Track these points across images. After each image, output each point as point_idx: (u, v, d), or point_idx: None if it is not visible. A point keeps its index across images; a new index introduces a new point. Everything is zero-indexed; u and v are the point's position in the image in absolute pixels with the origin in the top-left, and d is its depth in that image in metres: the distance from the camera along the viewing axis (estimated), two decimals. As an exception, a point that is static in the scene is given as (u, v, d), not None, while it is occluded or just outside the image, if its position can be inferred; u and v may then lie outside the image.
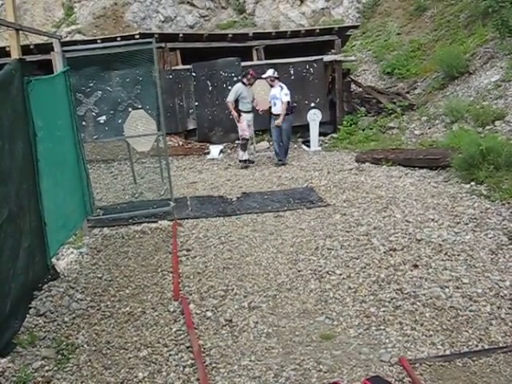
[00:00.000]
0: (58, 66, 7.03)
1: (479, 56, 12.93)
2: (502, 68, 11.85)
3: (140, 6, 21.92)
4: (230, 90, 14.07)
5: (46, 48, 11.95)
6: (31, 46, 12.81)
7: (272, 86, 11.67)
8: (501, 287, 5.24)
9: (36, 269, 5.34)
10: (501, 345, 4.39)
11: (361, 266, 5.93)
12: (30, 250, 5.15)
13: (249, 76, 11.65)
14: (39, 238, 5.44)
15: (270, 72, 11.63)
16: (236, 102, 11.66)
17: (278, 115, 11.47)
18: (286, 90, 11.45)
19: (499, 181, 7.87)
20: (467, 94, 11.99)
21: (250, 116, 11.82)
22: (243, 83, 11.60)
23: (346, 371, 4.17)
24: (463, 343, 4.44)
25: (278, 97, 11.41)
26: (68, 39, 18.12)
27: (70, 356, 4.51)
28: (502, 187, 7.68)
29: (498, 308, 4.89)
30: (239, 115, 11.64)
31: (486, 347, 4.37)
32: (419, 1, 19.05)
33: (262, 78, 11.96)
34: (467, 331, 4.58)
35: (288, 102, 11.55)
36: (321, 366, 4.23)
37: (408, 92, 15.18)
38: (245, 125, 11.63)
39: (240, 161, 11.85)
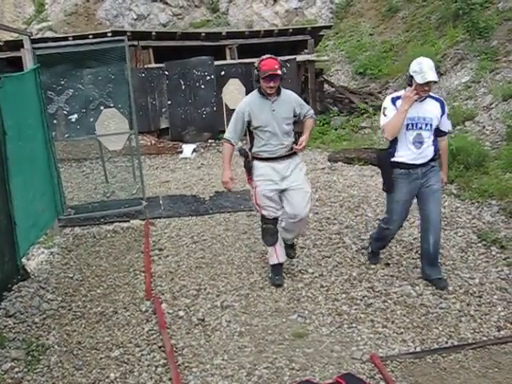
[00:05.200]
0: (28, 63, 6.92)
1: (450, 57, 13.10)
2: (472, 69, 12.03)
3: (112, 4, 21.73)
4: (203, 89, 14.15)
5: (16, 45, 11.77)
6: (0, 43, 12.64)
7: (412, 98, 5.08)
8: (470, 285, 5.32)
9: (5, 269, 5.26)
10: (470, 341, 4.46)
11: (333, 265, 5.96)
12: (-1, 250, 5.07)
13: (262, 73, 5.11)
14: (9, 238, 5.36)
15: (431, 74, 4.99)
16: (250, 134, 5.47)
17: (429, 164, 5.26)
18: (446, 106, 5.45)
19: (469, 180, 7.99)
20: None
21: (277, 168, 5.37)
22: (260, 93, 5.33)
23: (318, 369, 4.19)
24: (433, 340, 4.50)
25: (435, 122, 5.19)
26: (39, 36, 17.88)
27: (41, 357, 4.45)
28: (472, 186, 7.80)
29: (468, 305, 4.97)
30: (250, 167, 5.46)
31: (456, 344, 4.43)
32: (391, 2, 19.23)
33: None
34: (437, 328, 4.64)
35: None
36: (293, 364, 4.25)
37: (380, 92, 15.32)
38: (260, 192, 5.38)
39: (271, 265, 5.69)
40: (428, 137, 5.20)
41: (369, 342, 4.51)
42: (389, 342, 4.51)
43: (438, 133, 5.31)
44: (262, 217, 5.60)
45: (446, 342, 4.46)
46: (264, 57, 5.24)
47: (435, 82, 5.16)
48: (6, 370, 4.22)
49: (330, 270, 5.85)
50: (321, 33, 15.67)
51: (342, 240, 6.61)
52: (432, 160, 5.28)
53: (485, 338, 4.48)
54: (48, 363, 4.38)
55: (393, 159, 5.29)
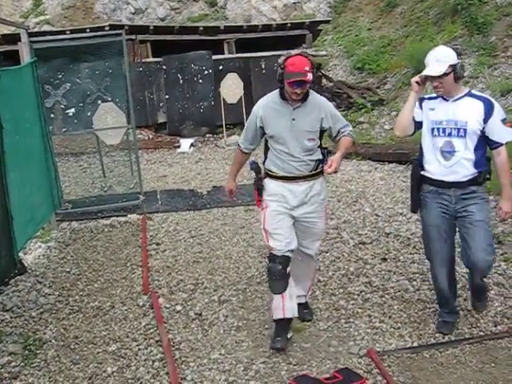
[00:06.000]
0: (25, 56, 6.90)
1: (448, 52, 13.07)
2: (470, 65, 12.02)
3: (110, -2, 21.65)
4: (200, 83, 14.13)
5: (13, 38, 11.73)
6: (-2, 37, 12.59)
7: (431, 97, 4.34)
8: (467, 279, 5.30)
9: (2, 263, 5.24)
10: (467, 336, 4.45)
11: (330, 260, 5.96)
12: (-4, 244, 5.06)
13: (287, 75, 3.93)
14: (5, 232, 5.34)
15: (433, 67, 3.99)
16: (266, 143, 4.42)
17: (466, 186, 4.04)
18: (500, 109, 4.08)
19: (466, 175, 7.96)
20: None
21: (295, 191, 4.24)
22: (281, 95, 4.17)
23: (315, 364, 4.19)
24: (430, 335, 4.49)
25: (472, 127, 3.96)
26: (36, 30, 17.81)
27: (38, 351, 4.45)
28: (469, 182, 7.77)
29: (465, 300, 4.96)
30: (260, 186, 4.39)
31: (453, 339, 4.43)
32: (390, -3, 19.20)
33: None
34: (434, 323, 4.63)
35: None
36: (290, 359, 4.24)
37: (378, 87, 15.30)
38: (271, 211, 4.26)
39: (274, 320, 4.37)
40: (462, 146, 4.00)
41: (366, 337, 4.51)
42: (386, 336, 4.50)
43: (490, 144, 4.06)
44: (270, 251, 4.27)
45: (443, 337, 4.45)
46: (293, 53, 4.04)
47: (438, 77, 3.98)
48: (3, 364, 4.21)
49: (327, 265, 5.85)
50: (319, 27, 15.65)
51: (340, 235, 6.61)
52: (472, 183, 4.04)
53: (482, 333, 4.48)
54: (45, 357, 4.38)
55: (421, 172, 4.24)
